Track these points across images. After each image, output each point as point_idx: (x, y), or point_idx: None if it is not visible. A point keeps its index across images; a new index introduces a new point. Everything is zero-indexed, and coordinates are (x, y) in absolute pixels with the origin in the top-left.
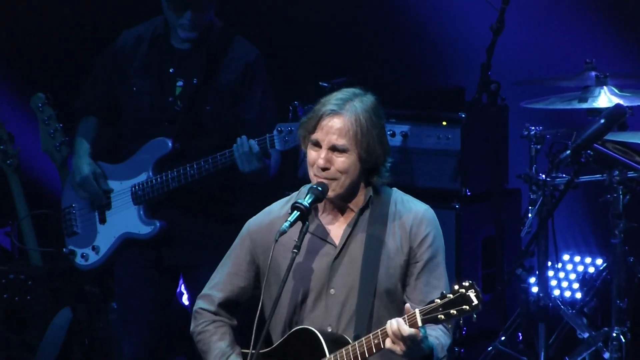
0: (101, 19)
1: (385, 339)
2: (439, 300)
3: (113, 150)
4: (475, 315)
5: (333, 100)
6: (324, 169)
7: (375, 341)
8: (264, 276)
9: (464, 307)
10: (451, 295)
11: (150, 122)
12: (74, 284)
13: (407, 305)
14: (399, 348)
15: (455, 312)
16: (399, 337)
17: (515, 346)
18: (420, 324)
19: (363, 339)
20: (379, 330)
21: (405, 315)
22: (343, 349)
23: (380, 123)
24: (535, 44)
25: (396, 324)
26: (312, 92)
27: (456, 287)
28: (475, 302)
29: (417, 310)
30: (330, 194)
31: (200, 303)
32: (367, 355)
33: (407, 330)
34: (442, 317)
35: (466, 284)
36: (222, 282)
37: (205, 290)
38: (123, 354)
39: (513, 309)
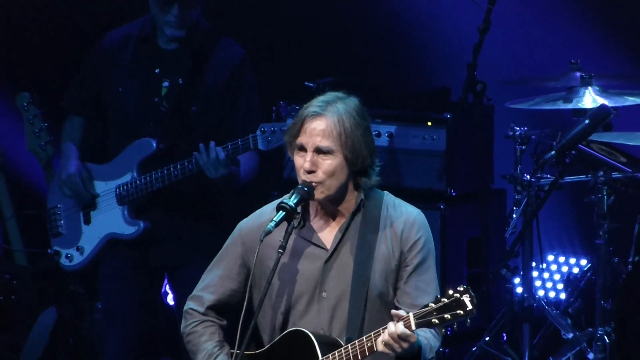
0: (88, 18)
1: (377, 341)
2: (433, 305)
3: (98, 150)
4: (469, 320)
5: (315, 103)
6: (310, 172)
7: (369, 344)
8: (255, 275)
9: (458, 311)
10: (445, 300)
11: (135, 123)
12: (59, 283)
13: (394, 311)
14: (391, 351)
15: (449, 316)
16: (395, 337)
17: (500, 346)
18: (414, 327)
19: (356, 341)
20: (371, 333)
21: (401, 319)
22: (336, 352)
23: (364, 124)
24: (520, 45)
25: (393, 326)
26: (298, 92)
27: (450, 291)
28: (470, 307)
29: (411, 314)
30: (319, 196)
31: (190, 304)
32: (359, 358)
33: (401, 329)
34: (436, 321)
35: (461, 288)
36: (212, 284)
37: (195, 292)
38: (107, 354)
39: (498, 309)
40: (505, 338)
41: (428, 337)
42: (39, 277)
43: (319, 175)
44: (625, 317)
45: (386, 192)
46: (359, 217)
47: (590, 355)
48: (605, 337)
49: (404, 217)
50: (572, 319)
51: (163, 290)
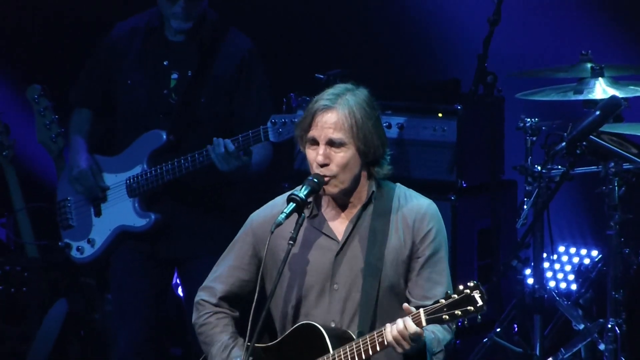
0: (97, 10)
1: (388, 337)
2: (443, 301)
3: (106, 143)
4: (480, 316)
5: (325, 96)
6: (323, 165)
7: (380, 339)
8: (266, 267)
9: (469, 307)
10: (456, 296)
11: (145, 115)
12: (70, 275)
13: (405, 305)
14: (399, 348)
15: (459, 312)
16: (406, 336)
17: (511, 337)
18: (424, 324)
19: (367, 336)
20: (382, 328)
21: (410, 315)
22: (347, 346)
23: (374, 114)
24: (531, 36)
25: (402, 323)
26: (307, 83)
27: (461, 287)
28: (480, 303)
29: (421, 311)
30: (333, 190)
31: (201, 295)
32: (370, 353)
33: (413, 327)
34: (447, 317)
35: (471, 284)
36: (224, 274)
37: (207, 282)
38: (118, 346)
39: (508, 301)
40: (516, 329)
41: (435, 330)
42: (50, 269)
43: (333, 168)
44: (636, 307)
45: (398, 184)
46: (370, 208)
47: (602, 346)
48: (617, 328)
49: (415, 208)
50: (583, 310)
51: (174, 282)
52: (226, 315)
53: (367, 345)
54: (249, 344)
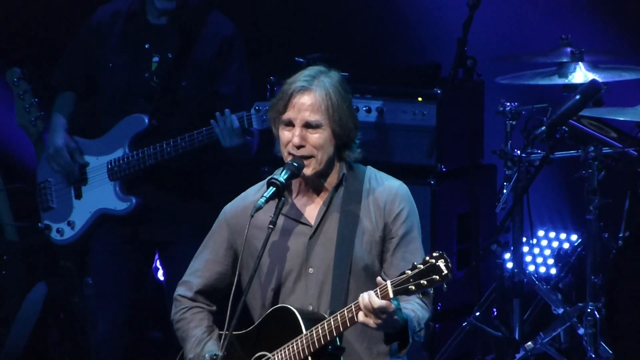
0: None
1: (358, 312)
2: (409, 272)
3: (88, 126)
4: (445, 285)
5: (301, 77)
6: (299, 147)
7: (349, 315)
8: (240, 257)
9: (434, 277)
10: (421, 266)
11: (126, 98)
12: (49, 258)
13: (379, 278)
14: (372, 321)
15: (425, 282)
16: (370, 309)
17: (490, 322)
18: (392, 295)
19: (337, 313)
20: (352, 304)
21: (377, 288)
22: (319, 325)
23: (348, 97)
24: (511, 20)
25: (367, 297)
26: (287, 68)
27: (427, 257)
28: (445, 271)
29: (388, 282)
30: (308, 171)
31: (179, 290)
32: (341, 330)
33: (377, 302)
34: (413, 287)
35: (436, 254)
36: (200, 268)
37: (184, 277)
38: (98, 330)
39: (488, 285)
40: (495, 313)
41: (415, 309)
42: (29, 253)
43: (309, 149)
44: (615, 292)
45: (369, 167)
46: (342, 190)
47: (581, 331)
48: (596, 312)
49: (386, 189)
50: (562, 294)
51: (154, 266)
52: (202, 310)
53: (338, 322)
54: (226, 332)
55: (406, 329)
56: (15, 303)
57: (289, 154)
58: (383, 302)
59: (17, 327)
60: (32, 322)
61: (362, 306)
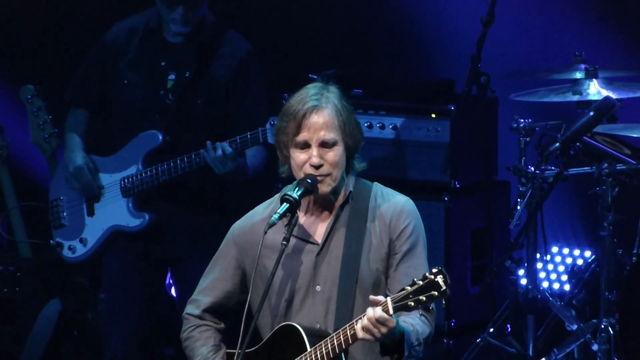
0: (93, 10)
1: (357, 328)
2: (409, 288)
3: (101, 144)
4: (444, 301)
5: (308, 97)
6: (319, 167)
7: (351, 332)
8: (251, 275)
9: (433, 292)
10: (420, 282)
11: (141, 115)
12: (63, 275)
13: (372, 296)
14: (371, 337)
15: (424, 298)
16: (374, 323)
17: (504, 338)
18: (391, 311)
19: (340, 330)
20: (354, 320)
21: (379, 305)
22: (322, 342)
23: (350, 107)
24: (525, 37)
25: (371, 312)
26: (301, 84)
27: (426, 273)
28: (444, 287)
29: (388, 299)
30: (326, 189)
31: (187, 308)
32: (343, 347)
33: (383, 315)
34: (412, 303)
35: (435, 270)
36: (209, 287)
37: (193, 295)
38: (111, 348)
39: (502, 301)
40: (509, 329)
41: (414, 323)
42: (43, 269)
43: (326, 167)
44: (629, 308)
45: (375, 183)
46: (348, 208)
47: (595, 347)
48: (610, 329)
49: (392, 206)
50: (576, 311)
51: (167, 282)
52: (209, 328)
53: (340, 338)
54: (239, 351)
55: (402, 342)
56: (30, 319)
57: (308, 174)
58: (385, 314)
59: (31, 343)
60: (46, 338)
61: (366, 319)
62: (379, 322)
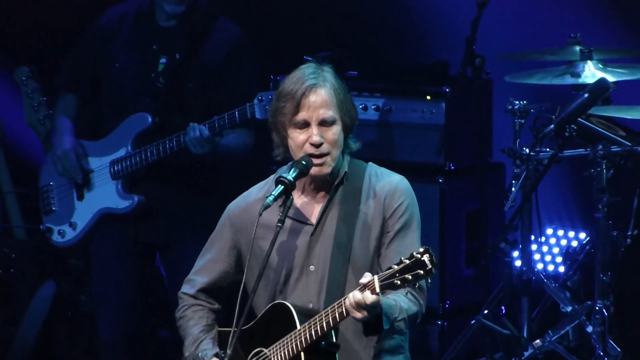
0: None
1: (347, 306)
2: (395, 266)
3: (91, 128)
4: (429, 280)
5: (305, 77)
6: (319, 145)
7: (339, 310)
8: (246, 256)
9: (419, 271)
10: (407, 261)
11: (131, 98)
12: (57, 257)
13: (367, 273)
14: (360, 315)
15: (410, 276)
16: (362, 306)
17: (499, 320)
18: (378, 290)
19: (329, 308)
20: (342, 299)
21: (366, 283)
22: (311, 320)
23: (346, 87)
24: (520, 18)
25: (360, 295)
26: (295, 65)
27: (413, 252)
28: (429, 266)
29: (375, 277)
30: (326, 170)
31: (183, 287)
32: (331, 325)
33: (370, 298)
34: (398, 282)
35: (421, 249)
36: (204, 267)
37: (189, 275)
38: (101, 333)
39: (496, 283)
40: (504, 311)
41: (398, 299)
42: (37, 251)
43: (326, 147)
44: (624, 290)
45: (370, 163)
46: (342, 188)
47: (589, 329)
48: (604, 310)
49: (386, 185)
50: (571, 292)
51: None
52: (202, 308)
53: (329, 316)
54: (235, 329)
55: (380, 316)
56: (24, 301)
57: (308, 155)
58: (374, 298)
59: (26, 325)
60: (41, 320)
61: (353, 303)
62: (368, 306)
